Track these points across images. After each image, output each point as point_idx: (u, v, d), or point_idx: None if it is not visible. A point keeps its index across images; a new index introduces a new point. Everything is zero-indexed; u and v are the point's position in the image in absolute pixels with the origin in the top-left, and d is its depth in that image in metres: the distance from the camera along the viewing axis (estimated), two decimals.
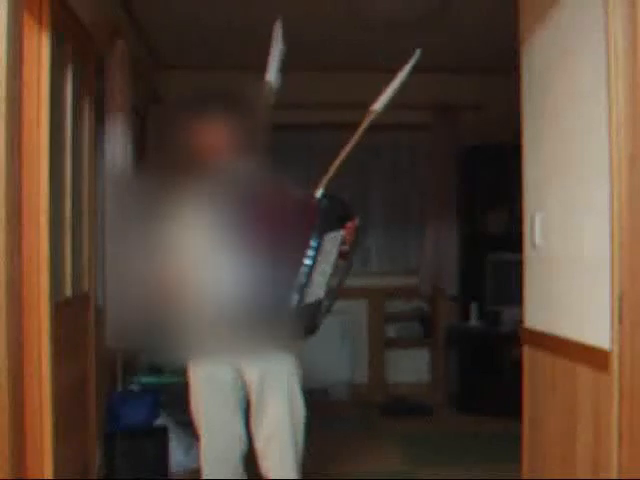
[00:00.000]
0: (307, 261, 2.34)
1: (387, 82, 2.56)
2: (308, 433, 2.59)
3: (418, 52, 2.52)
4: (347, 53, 5.19)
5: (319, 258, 2.36)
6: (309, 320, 2.39)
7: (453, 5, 4.16)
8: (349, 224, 2.44)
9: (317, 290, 2.37)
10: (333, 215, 2.44)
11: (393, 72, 2.55)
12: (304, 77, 5.36)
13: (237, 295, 2.32)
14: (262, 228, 2.40)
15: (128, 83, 3.69)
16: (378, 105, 2.57)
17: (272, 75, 2.54)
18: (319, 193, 2.44)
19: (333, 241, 2.39)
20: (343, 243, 2.42)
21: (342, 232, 2.42)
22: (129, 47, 3.73)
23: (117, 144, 3.56)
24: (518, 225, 2.91)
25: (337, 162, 2.48)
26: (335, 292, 2.43)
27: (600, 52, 2.12)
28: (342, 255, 2.41)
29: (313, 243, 2.35)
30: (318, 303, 2.38)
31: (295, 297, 2.32)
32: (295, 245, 2.37)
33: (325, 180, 2.45)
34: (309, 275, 2.34)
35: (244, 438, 2.58)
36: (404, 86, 2.53)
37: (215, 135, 2.54)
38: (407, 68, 2.54)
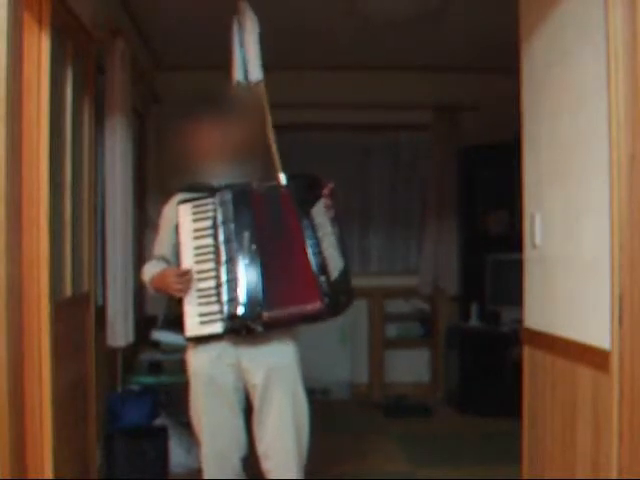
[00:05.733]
0: (311, 242, 2.38)
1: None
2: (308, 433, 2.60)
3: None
4: (347, 53, 5.19)
5: (320, 234, 2.39)
6: (345, 292, 2.45)
7: (453, 5, 4.16)
8: (324, 191, 2.47)
9: (337, 262, 2.41)
10: (305, 190, 2.47)
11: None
12: (304, 77, 5.36)
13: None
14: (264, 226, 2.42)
15: (128, 83, 3.69)
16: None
17: (239, 74, 2.56)
18: (283, 179, 2.47)
19: (320, 213, 2.43)
20: (328, 210, 2.45)
21: (322, 200, 2.44)
22: (129, 47, 3.73)
23: (117, 144, 3.56)
24: (518, 225, 2.91)
25: (274, 151, 2.50)
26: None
27: (600, 52, 2.12)
28: (332, 220, 2.46)
29: (305, 224, 2.39)
30: (344, 273, 2.44)
31: (322, 278, 2.36)
32: (291, 233, 2.41)
33: (278, 167, 2.48)
34: (320, 253, 2.37)
35: (244, 440, 2.58)
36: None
37: (211, 136, 2.55)
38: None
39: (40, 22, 2.60)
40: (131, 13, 4.29)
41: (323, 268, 2.38)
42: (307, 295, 2.37)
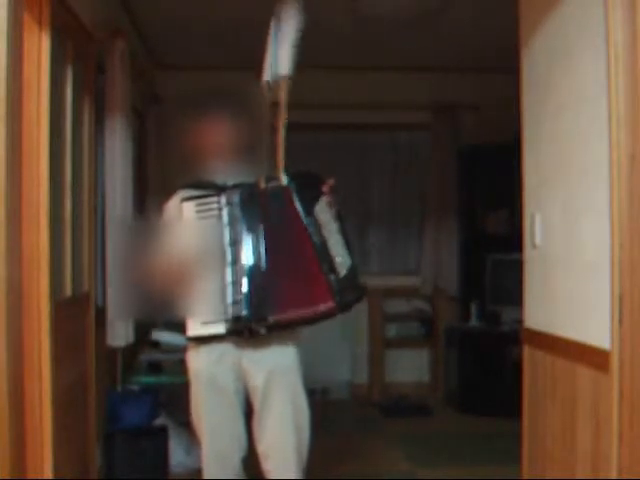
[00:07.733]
0: (317, 241, 2.38)
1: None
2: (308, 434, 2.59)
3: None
4: (347, 53, 5.19)
5: (324, 232, 2.39)
6: (353, 288, 2.45)
7: (453, 5, 4.16)
8: (324, 188, 2.46)
9: (344, 260, 2.42)
10: (306, 189, 2.46)
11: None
12: (304, 77, 5.36)
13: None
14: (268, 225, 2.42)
15: (128, 83, 3.70)
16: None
17: (269, 74, 2.55)
18: (284, 179, 2.46)
19: (323, 210, 2.43)
20: (330, 207, 2.45)
21: (324, 198, 2.44)
22: (129, 47, 3.73)
23: (117, 144, 3.56)
24: (518, 225, 2.91)
25: (280, 150, 2.49)
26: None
27: (600, 52, 2.12)
28: (335, 217, 2.46)
29: (310, 223, 2.39)
30: (352, 269, 2.44)
31: (331, 277, 2.35)
32: (297, 234, 2.41)
33: (281, 166, 2.47)
34: (327, 252, 2.37)
35: (244, 440, 2.58)
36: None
37: (216, 134, 2.54)
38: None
39: (40, 22, 2.60)
40: (131, 13, 4.29)
41: (331, 267, 2.38)
42: (319, 296, 2.37)
